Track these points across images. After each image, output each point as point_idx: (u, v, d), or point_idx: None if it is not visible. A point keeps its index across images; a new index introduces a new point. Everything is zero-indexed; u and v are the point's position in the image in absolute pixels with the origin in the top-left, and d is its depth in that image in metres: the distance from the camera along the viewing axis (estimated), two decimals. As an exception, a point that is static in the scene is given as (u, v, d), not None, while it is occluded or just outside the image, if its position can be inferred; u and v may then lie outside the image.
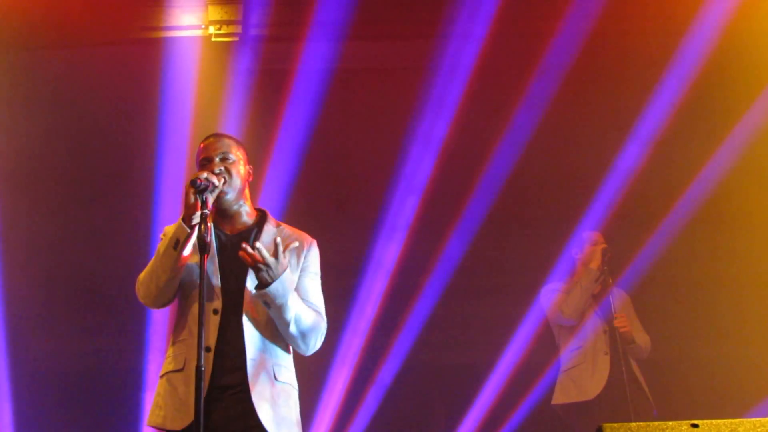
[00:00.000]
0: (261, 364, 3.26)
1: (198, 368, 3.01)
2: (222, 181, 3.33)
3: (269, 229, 3.46)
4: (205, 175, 3.21)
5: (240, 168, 3.45)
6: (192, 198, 3.18)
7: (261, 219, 3.52)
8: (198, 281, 3.17)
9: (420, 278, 6.63)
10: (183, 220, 3.19)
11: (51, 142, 6.35)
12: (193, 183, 3.17)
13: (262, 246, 3.21)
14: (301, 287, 3.43)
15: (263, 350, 3.29)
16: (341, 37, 6.13)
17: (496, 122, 6.42)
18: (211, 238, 3.28)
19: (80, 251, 6.38)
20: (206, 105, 6.06)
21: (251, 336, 3.27)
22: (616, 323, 5.51)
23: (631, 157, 6.41)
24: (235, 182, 3.40)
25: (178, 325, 3.37)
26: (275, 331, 3.34)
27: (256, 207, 3.60)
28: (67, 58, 6.19)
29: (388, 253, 6.53)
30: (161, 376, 3.35)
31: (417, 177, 6.51)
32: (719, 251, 6.63)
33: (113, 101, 6.26)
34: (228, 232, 3.45)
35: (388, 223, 6.49)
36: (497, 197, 6.52)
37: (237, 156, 3.45)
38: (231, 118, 6.08)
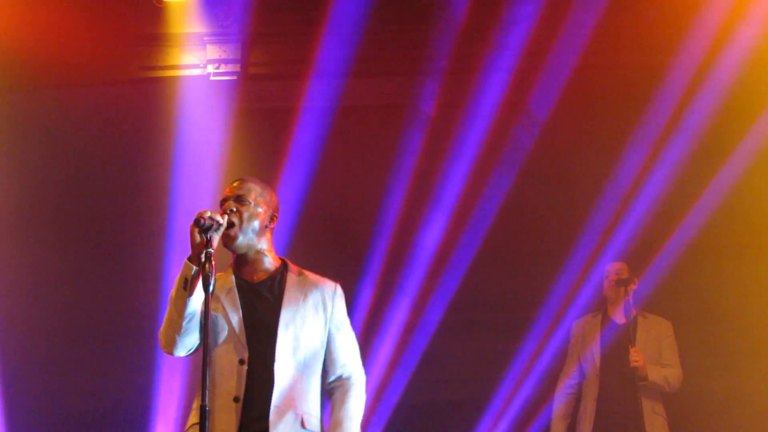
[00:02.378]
0: (287, 413, 3.27)
1: (202, 408, 3.03)
2: (225, 218, 3.27)
3: (291, 278, 3.44)
4: (208, 213, 3.18)
5: (256, 211, 3.41)
6: (198, 237, 3.17)
7: (283, 267, 3.49)
8: (221, 331, 3.26)
9: (416, 314, 6.56)
10: (189, 259, 3.18)
11: (51, 182, 6.33)
12: (197, 222, 3.16)
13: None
14: (334, 345, 3.46)
15: (291, 398, 3.29)
16: (341, 74, 6.14)
17: (491, 156, 6.40)
18: (214, 278, 3.19)
19: (85, 289, 6.29)
20: (206, 144, 6.04)
21: (280, 386, 3.28)
22: (631, 358, 5.40)
23: (627, 185, 6.36)
24: (246, 225, 3.38)
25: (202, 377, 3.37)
26: (306, 380, 3.36)
27: (280, 256, 3.58)
28: (65, 98, 6.18)
29: (386, 290, 6.46)
30: (187, 430, 3.37)
31: (416, 212, 6.48)
32: (726, 281, 6.55)
33: (112, 141, 6.25)
34: (249, 281, 3.43)
35: (386, 261, 6.44)
36: (491, 231, 6.48)
37: (256, 200, 3.42)
38: (231, 158, 6.07)
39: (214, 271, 3.11)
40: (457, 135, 6.35)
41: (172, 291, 3.25)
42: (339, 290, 3.51)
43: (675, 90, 6.10)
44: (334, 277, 3.59)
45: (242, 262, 3.44)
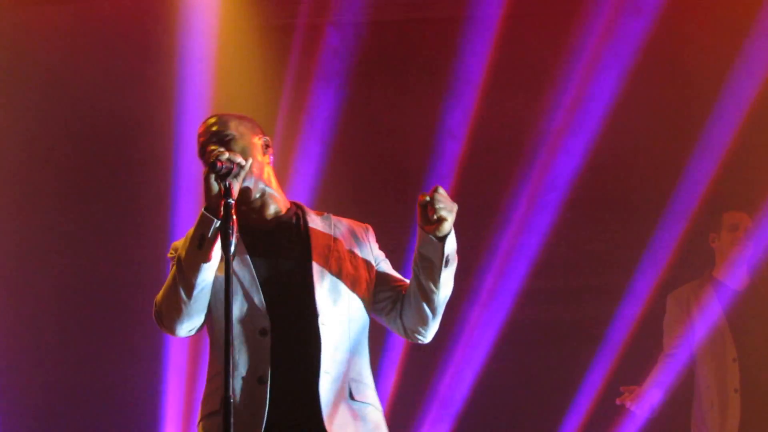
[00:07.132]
0: (334, 381, 2.82)
1: (226, 399, 2.50)
2: (249, 161, 2.78)
3: (314, 218, 3.00)
4: (226, 155, 2.71)
5: (244, 143, 2.91)
6: (215, 185, 2.69)
7: (296, 208, 3.03)
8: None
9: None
10: (206, 210, 2.70)
11: (44, 122, 5.62)
12: (212, 167, 2.69)
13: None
14: (384, 273, 3.01)
15: (338, 362, 2.83)
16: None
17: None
18: (237, 235, 2.73)
19: (73, 254, 5.62)
20: (228, 67, 5.48)
21: (326, 346, 2.81)
22: None
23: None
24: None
25: (212, 356, 2.92)
26: (353, 337, 2.90)
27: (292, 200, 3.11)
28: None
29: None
30: (198, 424, 2.91)
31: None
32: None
33: (119, 67, 5.56)
34: (258, 228, 2.93)
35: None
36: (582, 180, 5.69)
37: (238, 131, 2.92)
38: (254, 83, 5.51)
39: (235, 227, 2.63)
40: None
41: (180, 251, 2.77)
42: (371, 229, 3.10)
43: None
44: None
45: (245, 209, 2.93)
